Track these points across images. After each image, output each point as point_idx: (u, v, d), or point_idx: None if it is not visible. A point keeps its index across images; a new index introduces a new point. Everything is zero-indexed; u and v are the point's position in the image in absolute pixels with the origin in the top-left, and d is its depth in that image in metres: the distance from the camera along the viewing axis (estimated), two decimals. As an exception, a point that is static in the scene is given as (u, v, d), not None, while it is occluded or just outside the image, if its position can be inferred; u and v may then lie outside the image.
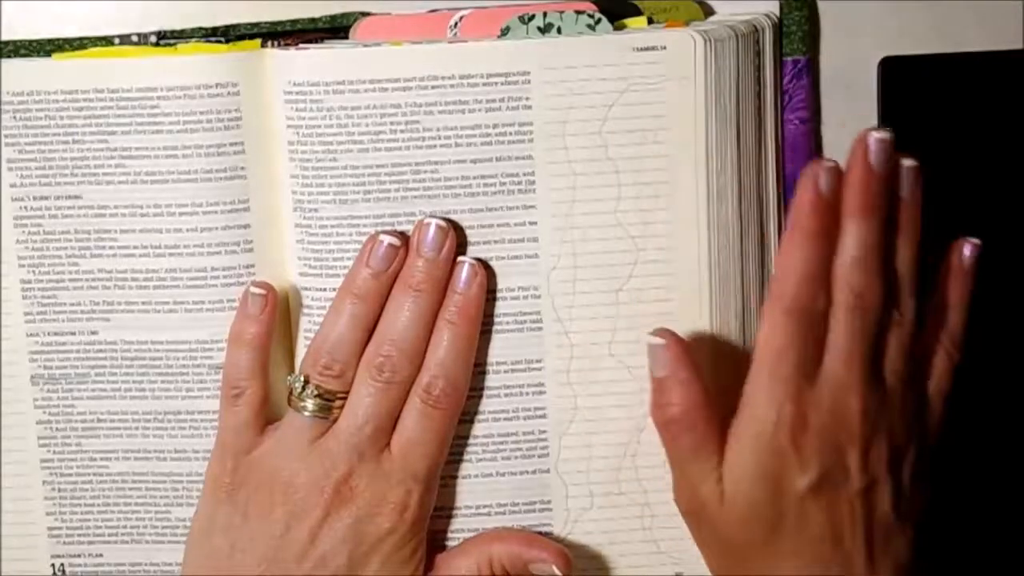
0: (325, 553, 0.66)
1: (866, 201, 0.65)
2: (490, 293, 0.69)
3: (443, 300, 0.68)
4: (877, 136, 0.65)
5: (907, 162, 0.66)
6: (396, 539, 0.67)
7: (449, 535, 0.72)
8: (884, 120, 0.73)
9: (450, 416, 0.68)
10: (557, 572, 0.69)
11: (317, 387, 0.67)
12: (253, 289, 0.68)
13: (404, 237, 0.68)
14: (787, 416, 0.64)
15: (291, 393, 0.68)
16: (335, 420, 0.67)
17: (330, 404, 0.67)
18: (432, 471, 0.68)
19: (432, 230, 0.67)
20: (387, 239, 0.67)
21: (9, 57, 0.72)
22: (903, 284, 0.66)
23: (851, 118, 0.74)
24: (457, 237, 0.68)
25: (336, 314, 0.68)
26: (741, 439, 0.65)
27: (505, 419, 0.71)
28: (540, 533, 0.71)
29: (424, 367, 0.68)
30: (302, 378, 0.67)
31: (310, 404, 0.67)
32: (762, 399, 0.64)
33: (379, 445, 0.67)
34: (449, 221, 0.68)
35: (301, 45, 0.70)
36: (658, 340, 0.66)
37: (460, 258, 0.68)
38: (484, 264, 0.68)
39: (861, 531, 0.65)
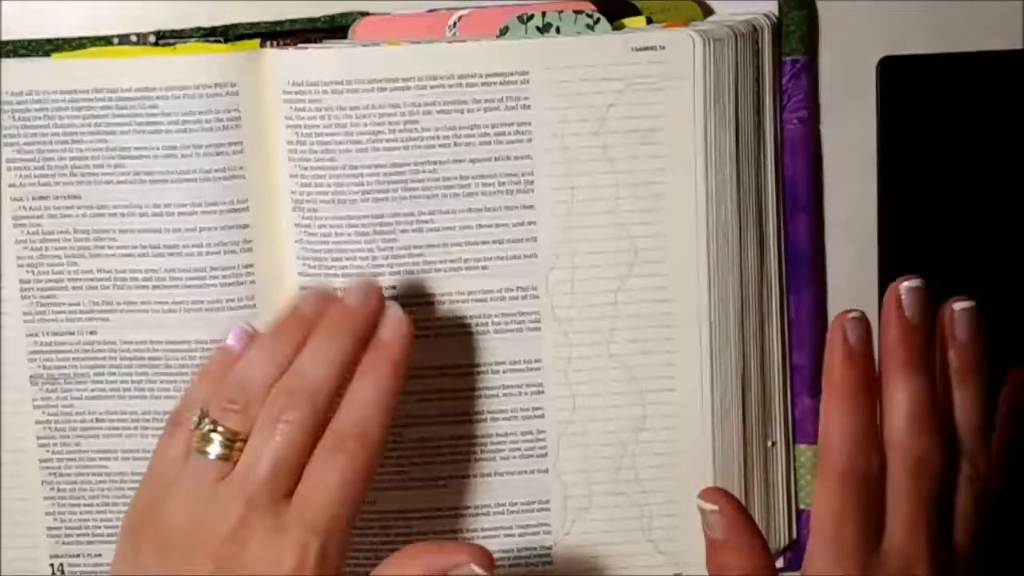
0: None
1: (910, 356, 0.62)
2: (488, 293, 0.70)
3: (363, 350, 0.63)
4: (908, 285, 0.63)
5: (960, 305, 0.64)
6: None
7: (449, 535, 0.72)
8: (883, 120, 0.73)
9: (359, 465, 0.61)
10: (478, 570, 0.63)
11: (216, 423, 0.61)
12: (243, 324, 0.65)
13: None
14: None
15: (193, 429, 0.62)
16: (235, 463, 0.61)
17: (231, 444, 0.61)
18: (337, 524, 0.60)
19: (358, 283, 0.64)
20: (320, 291, 0.64)
21: (8, 57, 0.72)
22: (970, 435, 0.64)
23: (851, 118, 0.74)
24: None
25: (252, 350, 0.63)
26: None
27: (504, 419, 0.71)
28: (540, 525, 0.71)
29: (336, 413, 0.62)
30: (199, 411, 0.62)
31: (211, 444, 0.61)
32: (826, 569, 0.62)
33: (276, 494, 0.60)
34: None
35: (300, 45, 0.70)
36: (710, 505, 0.63)
37: (389, 305, 0.64)
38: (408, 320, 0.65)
39: None
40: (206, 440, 0.61)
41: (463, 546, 0.62)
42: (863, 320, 0.63)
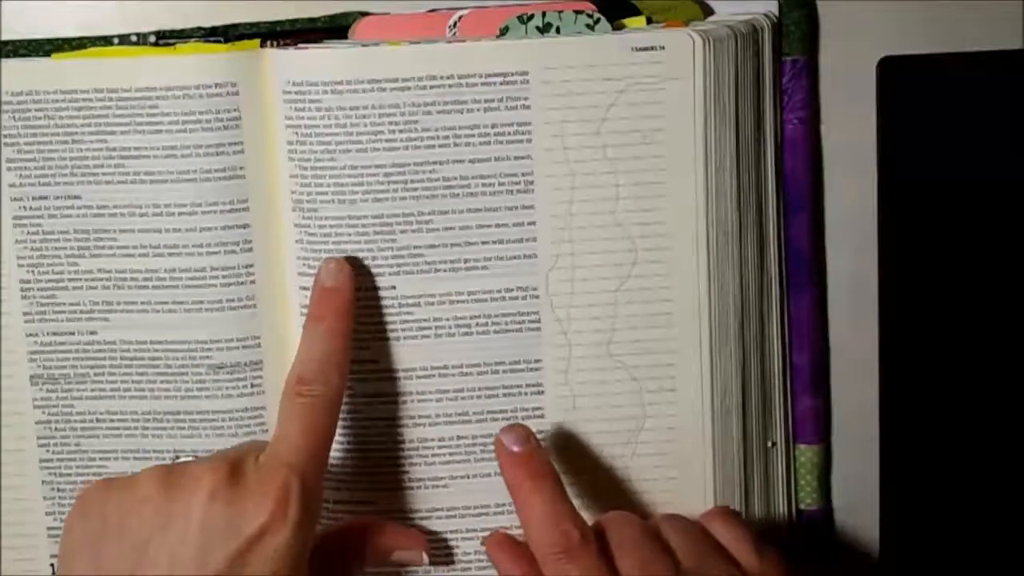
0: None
1: (526, 474, 0.66)
2: (488, 293, 0.70)
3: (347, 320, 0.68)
4: (501, 437, 0.67)
5: (505, 434, 0.68)
6: (278, 539, 0.62)
7: (449, 535, 0.72)
8: (883, 120, 0.73)
9: (322, 406, 0.66)
10: (425, 558, 0.70)
11: None
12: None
13: None
14: None
15: None
16: None
17: None
18: (311, 462, 0.64)
19: (325, 263, 0.68)
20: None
21: (8, 57, 0.72)
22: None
23: (851, 118, 0.74)
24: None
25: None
26: None
27: (504, 419, 0.71)
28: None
29: (294, 362, 0.67)
30: None
31: None
32: None
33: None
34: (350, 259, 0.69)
35: (300, 45, 0.70)
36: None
37: (327, 257, 0.68)
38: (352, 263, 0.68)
39: None
40: None
41: (414, 533, 0.70)
42: (516, 427, 0.67)
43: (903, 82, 0.73)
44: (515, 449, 0.67)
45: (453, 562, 0.72)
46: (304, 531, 0.63)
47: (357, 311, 0.69)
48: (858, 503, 0.77)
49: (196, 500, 0.62)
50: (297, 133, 0.68)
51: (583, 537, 0.64)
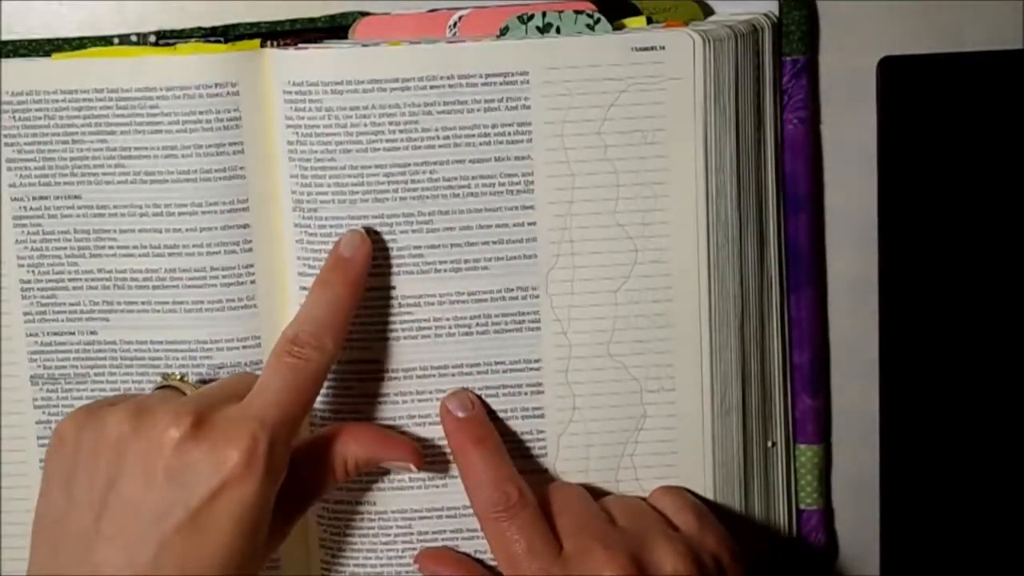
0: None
1: (468, 437, 0.69)
2: (488, 293, 0.70)
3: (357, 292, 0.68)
4: (446, 404, 0.70)
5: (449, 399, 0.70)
6: (241, 492, 0.62)
7: (449, 534, 0.72)
8: (883, 120, 0.73)
9: (309, 369, 0.65)
10: (412, 468, 0.69)
11: None
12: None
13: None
14: None
15: None
16: None
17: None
18: (283, 420, 0.64)
19: (348, 234, 0.68)
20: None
21: (9, 57, 0.72)
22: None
23: (851, 118, 0.74)
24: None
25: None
26: None
27: (504, 419, 0.71)
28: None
29: (292, 320, 0.67)
30: None
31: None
32: None
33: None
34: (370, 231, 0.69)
35: (300, 45, 0.70)
36: None
37: (350, 229, 0.68)
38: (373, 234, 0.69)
39: None
40: None
41: (404, 443, 0.69)
42: (460, 393, 0.70)
43: (903, 82, 0.73)
44: (460, 415, 0.69)
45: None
46: (268, 487, 0.63)
47: (358, 311, 0.69)
48: (858, 503, 0.77)
49: (161, 448, 0.62)
50: (297, 133, 0.68)
51: (521, 496, 0.66)
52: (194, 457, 0.62)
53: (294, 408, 0.65)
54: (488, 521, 0.67)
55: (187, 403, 0.64)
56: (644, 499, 0.70)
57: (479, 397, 0.70)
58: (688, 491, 0.71)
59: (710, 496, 0.72)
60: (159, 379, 0.69)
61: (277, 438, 0.63)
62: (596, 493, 0.71)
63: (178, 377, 0.69)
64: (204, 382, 0.69)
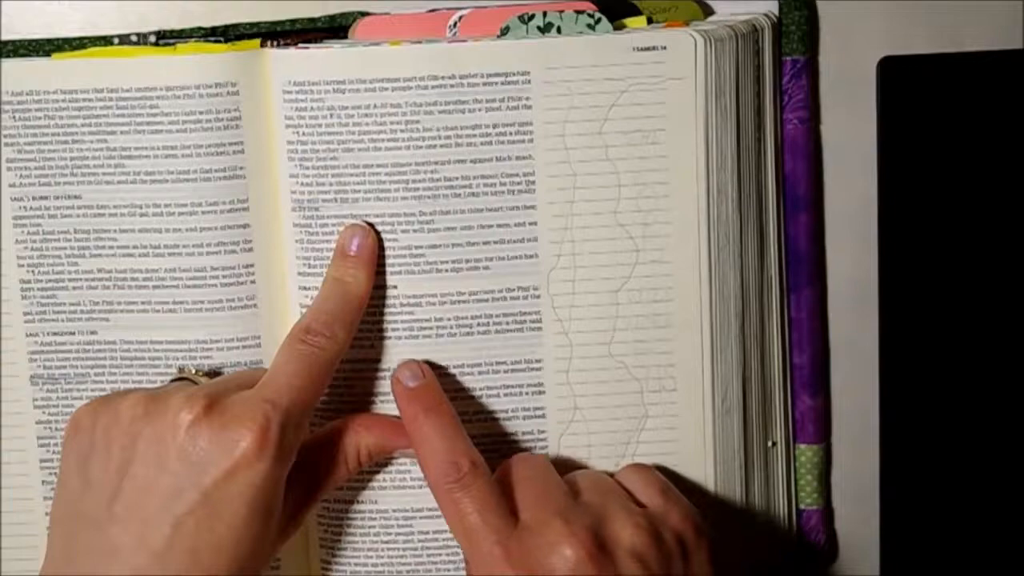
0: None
1: (419, 409, 0.68)
2: (489, 293, 0.70)
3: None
4: (398, 374, 0.69)
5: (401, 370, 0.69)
6: (253, 473, 0.63)
7: (450, 534, 0.71)
8: (883, 120, 0.73)
9: (321, 357, 0.66)
10: None
11: None
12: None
13: None
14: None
15: None
16: None
17: None
18: (295, 404, 0.65)
19: (350, 228, 0.69)
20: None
21: (9, 57, 0.72)
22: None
23: (851, 118, 0.74)
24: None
25: None
26: None
27: (505, 419, 0.71)
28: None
29: (306, 312, 0.68)
30: None
31: None
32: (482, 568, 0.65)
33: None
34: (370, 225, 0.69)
35: (300, 45, 0.70)
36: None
37: (354, 223, 0.69)
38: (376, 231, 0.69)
39: None
40: None
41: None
42: (411, 363, 0.69)
43: (903, 82, 0.73)
44: (411, 384, 0.68)
45: (454, 561, 0.72)
46: (279, 469, 0.64)
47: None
48: (858, 503, 0.77)
49: (174, 431, 0.63)
50: (298, 133, 0.68)
51: (473, 467, 0.66)
52: (206, 439, 0.63)
53: (306, 394, 0.66)
54: (441, 492, 0.66)
55: (200, 388, 0.65)
56: (612, 475, 0.70)
57: (428, 368, 0.69)
58: (656, 468, 0.70)
59: (711, 496, 0.72)
60: (175, 372, 0.70)
61: (289, 421, 0.64)
62: (567, 468, 0.71)
63: (192, 371, 0.70)
64: (217, 374, 0.70)
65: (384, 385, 0.70)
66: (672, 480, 0.70)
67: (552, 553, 0.63)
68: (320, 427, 0.71)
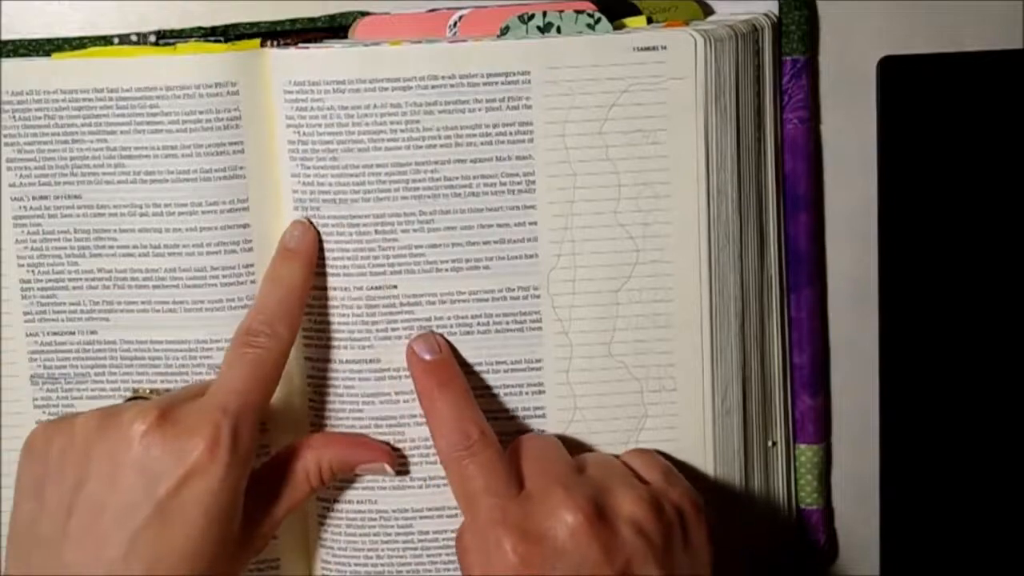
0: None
1: (436, 382, 0.68)
2: (489, 293, 0.70)
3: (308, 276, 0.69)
4: (412, 345, 0.69)
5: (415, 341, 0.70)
6: (207, 481, 0.63)
7: (450, 534, 0.71)
8: (883, 120, 0.73)
9: (266, 357, 0.67)
10: (389, 469, 0.70)
11: None
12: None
13: None
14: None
15: None
16: None
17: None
18: (245, 408, 0.65)
19: (292, 225, 0.69)
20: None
21: (9, 57, 0.72)
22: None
23: (851, 118, 0.74)
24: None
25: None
26: None
27: (505, 419, 0.71)
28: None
29: (247, 314, 0.68)
30: None
31: None
32: (476, 540, 0.65)
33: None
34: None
35: (300, 44, 0.70)
36: None
37: (293, 220, 0.69)
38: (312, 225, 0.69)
39: None
40: None
41: (376, 445, 0.70)
42: (428, 336, 0.69)
43: (903, 82, 0.73)
44: (427, 357, 0.68)
45: (454, 561, 0.72)
46: (235, 474, 0.64)
47: (358, 311, 0.69)
48: (858, 503, 0.77)
49: (127, 444, 0.63)
50: (299, 133, 0.68)
51: (483, 436, 0.66)
52: (160, 449, 0.63)
53: (255, 395, 0.66)
54: (449, 461, 0.67)
55: (152, 401, 0.66)
56: (617, 457, 0.70)
57: (447, 341, 0.69)
58: (659, 452, 0.70)
59: (711, 495, 0.72)
60: (173, 372, 0.71)
61: (240, 424, 0.64)
62: (577, 451, 0.71)
63: (147, 391, 0.70)
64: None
65: (384, 385, 0.70)
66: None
67: (551, 517, 0.63)
68: (319, 429, 0.71)
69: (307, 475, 0.69)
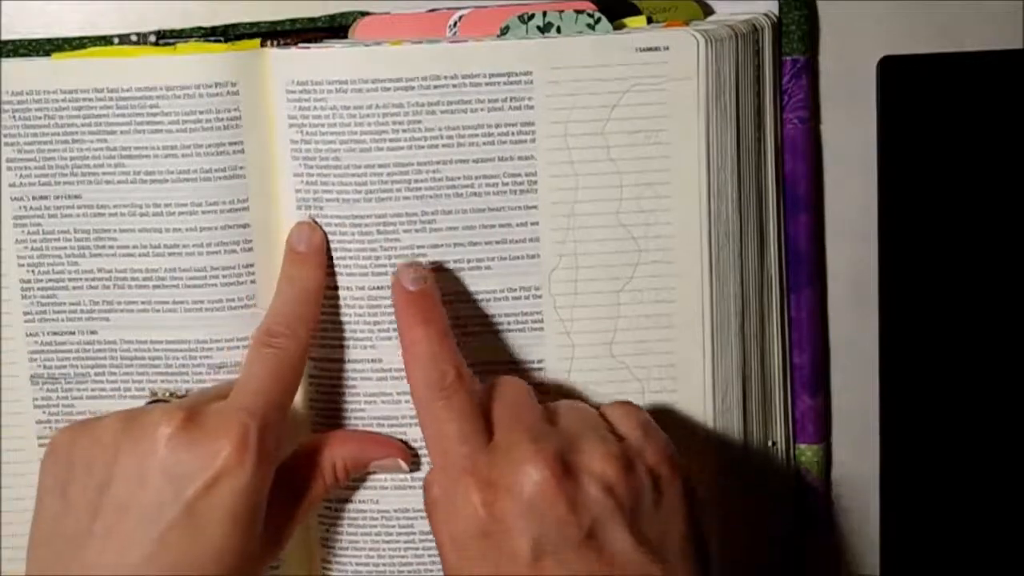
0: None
1: (416, 314, 0.67)
2: (491, 293, 0.70)
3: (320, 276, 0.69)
4: (400, 271, 0.68)
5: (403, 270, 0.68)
6: (235, 482, 0.63)
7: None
8: (883, 120, 0.73)
9: (286, 357, 0.67)
10: (403, 465, 0.70)
11: None
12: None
13: None
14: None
15: None
16: None
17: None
18: (269, 408, 0.65)
19: (297, 228, 0.69)
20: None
21: (9, 57, 0.72)
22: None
23: (851, 118, 0.74)
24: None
25: None
26: None
27: (506, 419, 0.71)
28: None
29: (265, 315, 0.69)
30: None
31: None
32: (444, 483, 0.64)
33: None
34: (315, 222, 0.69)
35: (300, 44, 0.70)
36: None
37: (299, 222, 0.69)
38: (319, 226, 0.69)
39: None
40: None
41: (390, 442, 0.69)
42: (415, 266, 0.68)
43: (903, 82, 0.73)
44: (412, 288, 0.67)
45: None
46: (261, 475, 0.64)
47: (360, 310, 0.69)
48: (858, 503, 0.77)
49: (154, 446, 0.63)
50: (302, 132, 0.68)
51: (458, 377, 0.65)
52: (187, 451, 0.63)
53: (278, 395, 0.66)
54: (422, 401, 0.65)
55: (177, 403, 0.66)
56: (598, 408, 0.69)
57: (430, 273, 0.68)
58: (639, 407, 0.68)
59: (712, 494, 0.72)
60: (173, 372, 0.71)
61: (266, 425, 0.64)
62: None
63: (166, 394, 0.70)
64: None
65: (386, 385, 0.70)
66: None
67: (517, 471, 0.62)
68: (321, 430, 0.71)
69: (322, 474, 0.69)
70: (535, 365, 0.70)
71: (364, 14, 0.72)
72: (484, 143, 0.68)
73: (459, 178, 0.68)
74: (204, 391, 0.69)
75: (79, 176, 0.70)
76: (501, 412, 0.65)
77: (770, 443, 0.74)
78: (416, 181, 0.68)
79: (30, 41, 0.73)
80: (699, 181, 0.69)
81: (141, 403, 0.70)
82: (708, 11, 0.73)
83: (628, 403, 0.68)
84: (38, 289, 0.71)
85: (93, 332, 0.71)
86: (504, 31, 0.69)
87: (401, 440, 0.71)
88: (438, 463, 0.65)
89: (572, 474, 0.62)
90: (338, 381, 0.70)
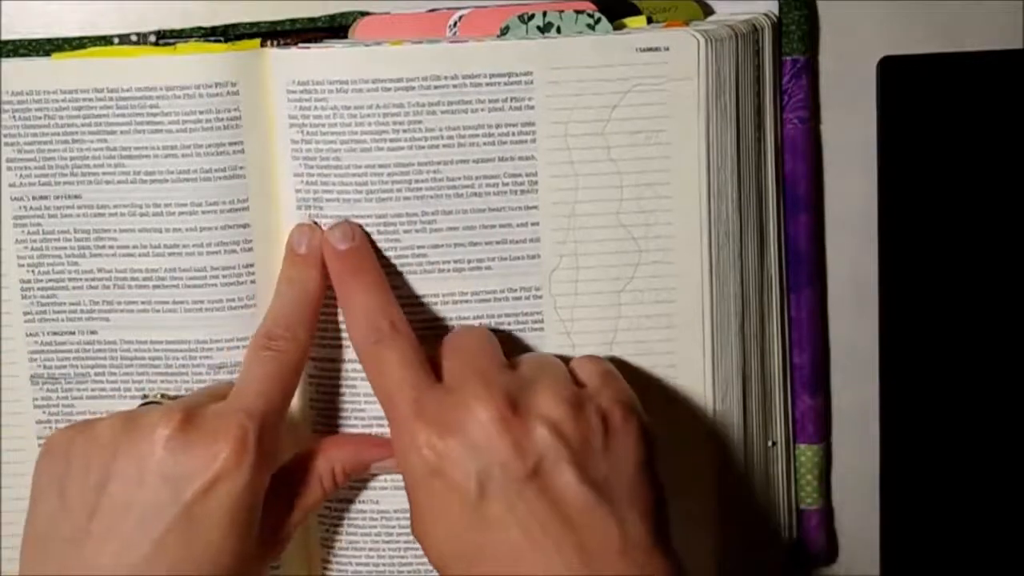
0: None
1: (345, 271, 0.68)
2: (491, 293, 0.70)
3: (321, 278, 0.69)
4: (329, 234, 0.68)
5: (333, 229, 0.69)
6: (233, 484, 0.63)
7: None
8: (883, 120, 0.73)
9: (286, 360, 0.67)
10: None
11: None
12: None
13: None
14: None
15: None
16: None
17: None
18: (269, 410, 0.65)
19: (298, 230, 0.69)
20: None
21: (9, 57, 0.72)
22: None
23: (851, 118, 0.74)
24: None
25: None
26: None
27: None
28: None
29: (265, 317, 0.68)
30: None
31: None
32: (401, 435, 0.64)
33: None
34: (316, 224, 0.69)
35: (301, 44, 0.70)
36: None
37: (298, 224, 0.69)
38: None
39: None
40: None
41: (387, 443, 0.68)
42: (343, 225, 0.68)
43: (903, 82, 0.73)
44: (341, 247, 0.68)
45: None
46: (259, 477, 0.64)
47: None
48: (858, 503, 0.77)
49: (152, 447, 0.63)
50: (303, 132, 0.68)
51: (393, 327, 0.66)
52: (185, 453, 0.63)
53: (277, 398, 0.66)
54: (364, 352, 0.66)
55: (175, 404, 0.66)
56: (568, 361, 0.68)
57: (359, 229, 0.68)
58: (608, 360, 0.69)
59: (711, 494, 0.72)
60: (141, 398, 0.71)
61: (265, 428, 0.64)
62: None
63: (158, 396, 0.70)
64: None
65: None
66: (673, 481, 0.70)
67: (464, 411, 0.62)
68: (321, 430, 0.71)
69: (321, 479, 0.68)
70: (535, 365, 0.70)
71: (364, 14, 0.72)
72: (484, 143, 0.68)
73: (459, 178, 0.68)
74: (201, 392, 0.69)
75: (79, 176, 0.70)
76: (454, 358, 0.66)
77: (770, 443, 0.74)
78: (416, 181, 0.68)
79: (30, 41, 0.73)
80: (699, 181, 0.69)
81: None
82: (708, 11, 0.73)
83: (596, 357, 0.68)
84: (38, 289, 0.71)
85: (93, 332, 0.71)
86: (504, 31, 0.69)
87: None
88: (389, 415, 0.65)
89: (520, 414, 0.62)
90: (338, 381, 0.70)
